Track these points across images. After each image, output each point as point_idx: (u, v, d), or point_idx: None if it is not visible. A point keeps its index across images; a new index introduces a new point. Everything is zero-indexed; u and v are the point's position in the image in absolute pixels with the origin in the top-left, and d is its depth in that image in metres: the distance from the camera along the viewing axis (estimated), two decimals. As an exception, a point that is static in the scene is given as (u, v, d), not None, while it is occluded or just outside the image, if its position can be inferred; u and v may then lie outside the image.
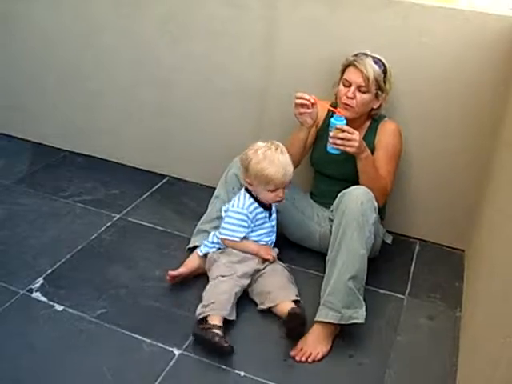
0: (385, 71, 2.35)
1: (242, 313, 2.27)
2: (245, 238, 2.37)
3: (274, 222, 2.44)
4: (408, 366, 2.10)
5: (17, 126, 3.69)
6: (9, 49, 3.46)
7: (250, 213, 2.34)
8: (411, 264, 2.68)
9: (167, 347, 2.10)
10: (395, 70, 2.46)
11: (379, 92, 2.37)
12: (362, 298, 2.14)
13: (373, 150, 2.41)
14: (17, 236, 2.71)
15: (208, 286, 2.26)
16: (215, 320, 2.11)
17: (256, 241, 2.39)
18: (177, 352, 2.09)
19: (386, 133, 2.45)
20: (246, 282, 2.30)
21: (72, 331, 2.17)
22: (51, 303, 2.30)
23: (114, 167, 3.42)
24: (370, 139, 2.44)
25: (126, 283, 2.44)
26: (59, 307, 2.28)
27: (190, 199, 3.08)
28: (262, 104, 2.87)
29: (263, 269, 2.34)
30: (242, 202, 2.35)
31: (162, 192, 3.20)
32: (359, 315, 2.11)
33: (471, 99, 2.47)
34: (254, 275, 2.32)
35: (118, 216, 2.93)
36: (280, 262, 2.41)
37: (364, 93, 2.34)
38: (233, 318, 2.18)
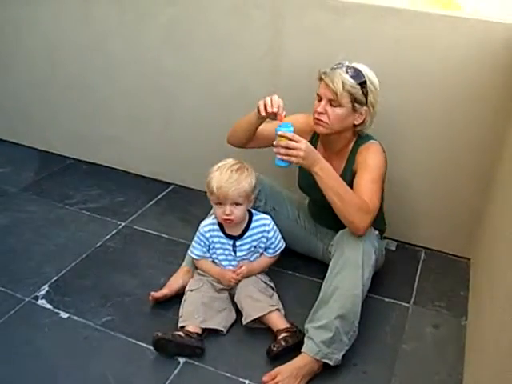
0: (363, 82, 2.15)
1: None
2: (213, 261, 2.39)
3: (243, 257, 2.36)
4: (413, 374, 2.10)
5: (23, 134, 3.71)
6: (14, 56, 3.49)
7: (206, 232, 2.33)
8: (416, 272, 2.67)
9: (172, 355, 2.11)
10: (399, 78, 2.46)
11: (356, 105, 2.17)
12: (347, 342, 2.06)
13: (353, 178, 2.22)
14: (22, 243, 2.73)
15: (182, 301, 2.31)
16: (190, 328, 2.16)
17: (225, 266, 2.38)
18: (181, 360, 2.09)
19: (371, 153, 2.23)
20: (217, 294, 2.32)
21: (77, 338, 2.18)
22: (56, 310, 2.31)
23: (119, 175, 3.43)
24: (350, 166, 2.29)
25: (131, 291, 2.44)
26: (64, 314, 2.29)
27: (195, 207, 3.08)
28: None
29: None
30: (205, 222, 2.36)
31: (167, 200, 3.21)
32: (333, 358, 2.04)
33: (476, 107, 2.46)
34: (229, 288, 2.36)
35: (123, 224, 2.93)
36: (255, 278, 2.36)
37: (336, 107, 2.16)
38: (207, 325, 2.19)
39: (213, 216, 2.36)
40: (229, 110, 2.96)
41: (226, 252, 2.35)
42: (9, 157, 3.60)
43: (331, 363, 2.04)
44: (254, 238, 2.34)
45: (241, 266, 2.33)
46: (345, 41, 2.55)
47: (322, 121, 2.20)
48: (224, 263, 2.36)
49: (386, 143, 2.47)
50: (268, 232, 2.35)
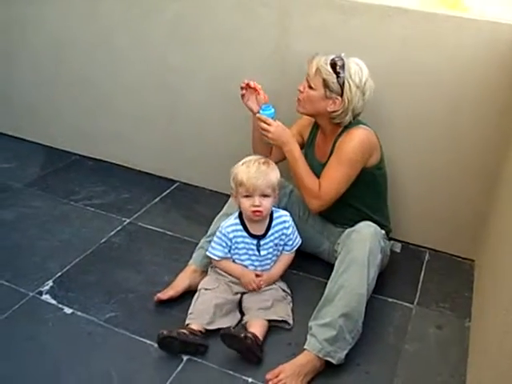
0: (339, 73, 2.23)
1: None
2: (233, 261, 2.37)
3: (267, 256, 2.35)
4: (416, 375, 2.10)
5: (28, 129, 3.72)
6: (19, 53, 3.50)
7: (229, 233, 2.31)
8: (420, 273, 2.67)
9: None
10: (405, 77, 2.47)
11: (327, 91, 2.26)
12: (350, 341, 2.07)
13: None
14: (27, 239, 2.73)
15: (193, 298, 2.30)
16: (194, 326, 2.16)
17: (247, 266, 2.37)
18: (185, 357, 2.10)
19: (346, 138, 2.32)
20: (231, 296, 2.31)
21: (80, 334, 2.18)
22: (60, 306, 2.31)
23: (124, 172, 3.44)
24: (336, 146, 2.37)
25: (135, 287, 2.45)
26: (68, 310, 2.29)
27: (200, 205, 3.09)
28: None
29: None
30: (228, 223, 2.34)
31: (172, 197, 3.21)
32: (336, 356, 2.04)
33: (481, 108, 2.46)
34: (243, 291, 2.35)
35: (128, 220, 2.94)
36: (278, 283, 2.38)
37: (311, 88, 2.31)
38: (212, 327, 2.18)
39: (235, 216, 2.34)
40: (234, 106, 2.95)
41: (250, 252, 2.33)
42: (14, 152, 3.60)
43: (334, 362, 2.04)
44: (276, 235, 2.34)
45: (260, 276, 2.33)
46: (352, 40, 2.55)
47: (298, 99, 2.37)
48: (246, 263, 2.34)
49: (390, 143, 2.48)
50: (287, 228, 2.35)
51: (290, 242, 2.38)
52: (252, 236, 2.32)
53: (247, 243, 2.32)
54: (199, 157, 3.19)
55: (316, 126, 2.50)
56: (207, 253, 2.36)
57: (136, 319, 2.27)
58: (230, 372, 2.05)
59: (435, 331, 2.31)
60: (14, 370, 2.01)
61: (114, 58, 3.20)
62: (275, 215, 2.35)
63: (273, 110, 2.37)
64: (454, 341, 2.26)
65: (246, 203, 2.23)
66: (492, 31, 2.32)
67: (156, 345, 2.09)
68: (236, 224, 2.32)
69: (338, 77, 2.24)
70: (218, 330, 2.18)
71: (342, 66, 2.24)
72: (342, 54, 2.28)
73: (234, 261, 2.36)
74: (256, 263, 2.35)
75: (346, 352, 2.06)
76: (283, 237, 2.35)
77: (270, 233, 2.33)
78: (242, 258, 2.34)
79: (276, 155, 2.54)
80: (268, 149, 2.56)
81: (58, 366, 2.04)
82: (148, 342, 2.15)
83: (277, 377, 1.99)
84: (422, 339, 2.27)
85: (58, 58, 3.38)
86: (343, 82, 2.25)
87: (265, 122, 2.33)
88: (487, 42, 2.34)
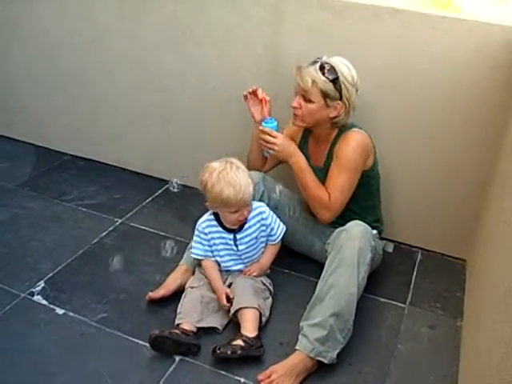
0: (335, 79, 2.22)
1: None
2: (218, 264, 2.36)
3: (245, 250, 2.34)
4: (408, 374, 2.10)
5: (20, 129, 3.71)
6: (13, 52, 3.48)
7: (204, 229, 2.30)
8: (412, 273, 2.67)
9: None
10: (397, 78, 2.47)
11: (328, 100, 2.25)
12: (342, 341, 2.07)
13: None
14: (19, 239, 2.73)
15: (181, 297, 2.30)
16: (186, 326, 2.15)
17: (228, 264, 2.36)
18: (177, 357, 2.09)
19: (344, 143, 2.32)
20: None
21: (73, 335, 2.18)
22: (52, 307, 2.31)
23: (116, 172, 3.43)
24: (331, 153, 2.38)
25: (127, 288, 2.44)
26: (60, 311, 2.29)
27: (192, 205, 3.08)
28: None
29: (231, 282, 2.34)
30: (202, 219, 2.33)
31: (164, 197, 3.20)
32: (327, 356, 2.04)
33: (474, 110, 2.46)
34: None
35: (120, 221, 2.93)
36: (256, 279, 2.36)
37: (308, 101, 2.27)
38: (202, 325, 2.19)
39: (209, 212, 2.34)
40: (227, 107, 2.96)
41: (228, 247, 2.33)
42: (6, 152, 3.59)
43: (326, 361, 2.05)
44: (254, 228, 2.32)
45: (251, 268, 2.35)
46: (343, 40, 2.55)
47: (296, 115, 2.34)
48: (225, 258, 2.34)
49: (382, 143, 2.48)
50: (265, 219, 2.34)
51: (274, 232, 2.37)
52: (228, 230, 2.31)
53: (223, 238, 2.31)
54: (192, 157, 3.18)
55: (308, 130, 2.48)
56: (190, 254, 2.36)
57: (128, 319, 2.27)
58: (223, 372, 2.05)
59: (427, 331, 2.32)
60: (5, 371, 2.00)
61: (107, 58, 3.20)
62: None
63: (276, 123, 2.36)
64: (446, 340, 2.27)
65: (232, 217, 2.22)
66: (484, 32, 2.33)
67: (148, 345, 2.09)
68: (211, 220, 2.32)
69: (334, 83, 2.23)
70: (210, 329, 2.19)
71: (332, 70, 2.23)
72: (324, 57, 2.27)
73: (216, 260, 2.35)
74: (235, 257, 2.35)
75: (337, 351, 2.07)
76: (263, 228, 2.34)
77: (246, 226, 2.31)
78: (221, 253, 2.34)
79: (270, 164, 2.59)
80: (263, 159, 2.57)
81: (50, 366, 2.03)
82: (140, 342, 2.14)
83: (269, 377, 1.99)
84: (415, 339, 2.27)
85: (51, 59, 3.37)
86: (340, 86, 2.24)
87: (269, 135, 2.31)
88: (479, 43, 2.34)
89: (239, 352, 2.04)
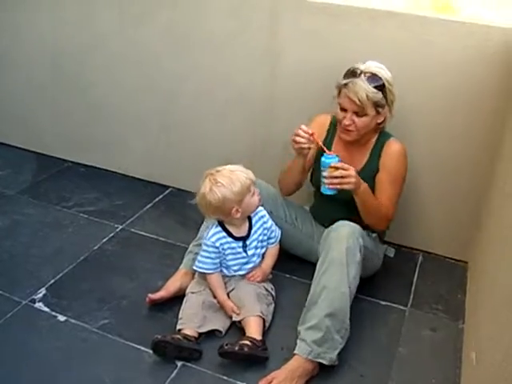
0: (382, 86, 2.22)
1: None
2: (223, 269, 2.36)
3: (254, 253, 2.35)
4: (410, 377, 2.10)
5: (20, 137, 3.71)
6: (12, 58, 3.49)
7: (214, 242, 2.28)
8: (414, 276, 2.67)
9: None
10: (397, 81, 2.47)
11: (379, 109, 2.26)
12: (340, 341, 2.07)
13: (377, 171, 2.37)
14: (20, 246, 2.72)
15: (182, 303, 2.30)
16: (187, 332, 2.15)
17: (235, 270, 2.35)
18: (179, 363, 2.09)
19: (390, 155, 2.35)
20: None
21: (74, 341, 2.17)
22: (54, 313, 2.30)
23: (117, 178, 3.43)
24: (374, 160, 2.38)
25: (128, 294, 2.44)
26: (61, 317, 2.28)
27: (193, 210, 3.05)
28: (265, 114, 2.88)
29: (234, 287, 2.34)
30: (210, 233, 2.31)
31: (165, 203, 3.20)
32: (327, 357, 2.04)
33: (474, 111, 2.47)
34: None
35: (120, 227, 2.93)
36: (259, 284, 2.35)
37: (362, 116, 2.25)
38: (203, 330, 2.19)
39: (215, 225, 2.32)
40: (226, 112, 2.97)
41: (238, 255, 2.33)
42: (6, 159, 3.59)
43: (325, 362, 2.04)
44: (259, 232, 2.35)
45: (254, 274, 2.35)
46: (342, 44, 2.56)
47: (349, 131, 2.30)
48: (231, 263, 2.33)
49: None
50: (266, 222, 2.37)
51: (273, 234, 2.41)
52: (237, 239, 2.32)
53: (233, 248, 2.31)
54: (192, 162, 3.18)
55: (332, 133, 2.46)
56: (195, 268, 2.33)
57: (129, 326, 2.26)
58: (225, 377, 2.04)
59: (429, 333, 2.32)
60: (7, 378, 1.99)
61: (107, 64, 3.20)
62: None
63: (338, 158, 2.17)
64: (447, 343, 2.27)
65: (254, 198, 2.25)
66: (482, 34, 2.34)
67: (150, 351, 2.08)
68: (219, 232, 2.31)
69: (382, 92, 2.23)
70: (212, 335, 2.19)
71: (377, 78, 2.22)
72: (361, 66, 2.23)
73: (221, 265, 2.34)
74: (242, 262, 2.35)
75: (337, 352, 2.06)
76: (265, 231, 2.37)
77: (253, 231, 2.34)
78: (229, 263, 2.33)
79: (306, 172, 2.50)
80: (299, 184, 2.50)
81: (52, 373, 2.03)
82: (142, 348, 2.14)
83: (270, 383, 1.99)
84: (416, 341, 2.27)
85: (50, 65, 3.37)
86: (387, 93, 2.25)
87: (342, 169, 2.13)
88: (477, 45, 2.35)
89: (246, 350, 2.04)
